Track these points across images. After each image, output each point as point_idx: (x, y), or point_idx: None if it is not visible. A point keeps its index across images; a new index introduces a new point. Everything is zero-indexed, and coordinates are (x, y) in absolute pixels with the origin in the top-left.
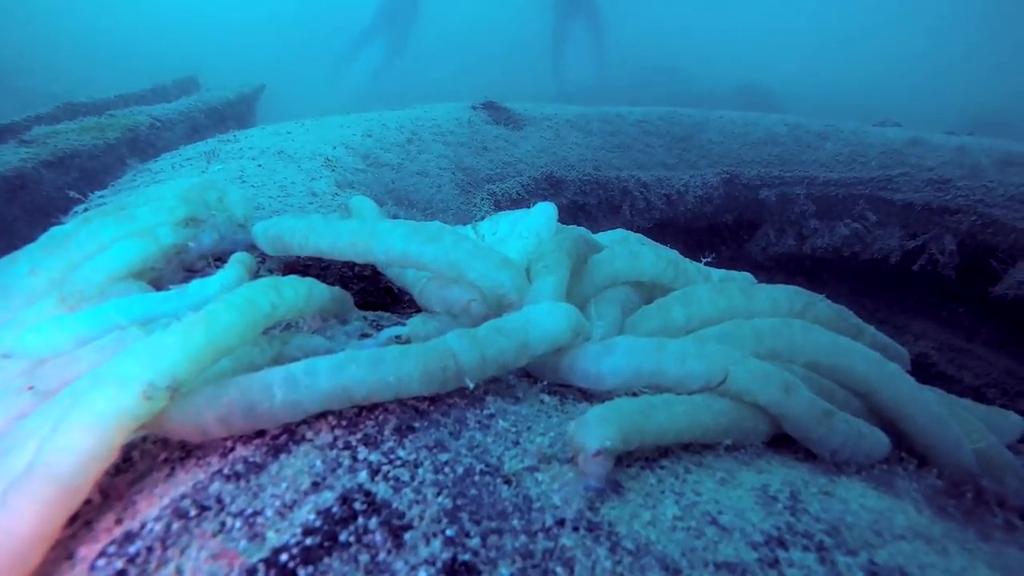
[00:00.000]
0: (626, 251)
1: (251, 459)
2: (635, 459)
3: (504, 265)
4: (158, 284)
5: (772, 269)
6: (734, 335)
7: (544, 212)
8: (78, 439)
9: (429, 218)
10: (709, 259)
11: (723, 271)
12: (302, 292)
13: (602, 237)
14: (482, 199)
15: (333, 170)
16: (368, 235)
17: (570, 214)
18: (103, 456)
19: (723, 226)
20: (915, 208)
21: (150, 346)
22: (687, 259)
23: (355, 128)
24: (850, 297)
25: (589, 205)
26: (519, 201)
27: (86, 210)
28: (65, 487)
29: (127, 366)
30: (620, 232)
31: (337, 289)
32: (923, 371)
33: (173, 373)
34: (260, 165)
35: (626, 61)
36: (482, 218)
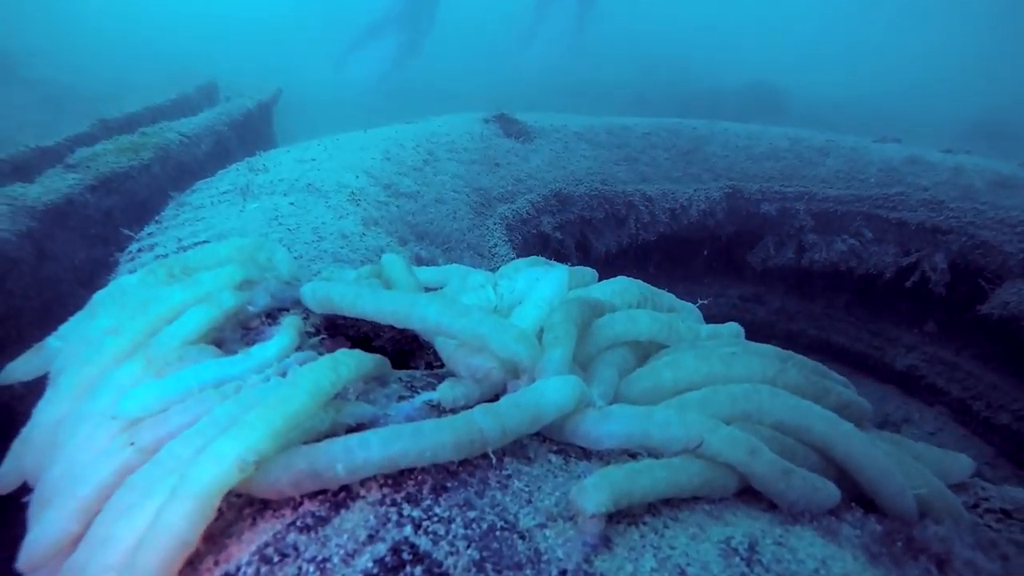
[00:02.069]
0: (625, 316)
1: (317, 513)
2: (623, 516)
3: (520, 338)
4: (220, 341)
5: (771, 281)
6: (712, 400)
7: (556, 282)
8: (190, 505)
9: (447, 253)
10: (705, 301)
11: (712, 327)
12: (353, 366)
13: (607, 286)
14: (495, 223)
15: (358, 204)
16: (408, 307)
17: (577, 228)
18: (209, 516)
19: (725, 238)
20: (909, 226)
21: (241, 428)
22: (680, 306)
23: (374, 150)
24: (845, 309)
25: (596, 219)
26: (529, 220)
27: (139, 250)
28: (183, 543)
29: (224, 446)
30: (623, 281)
31: (378, 356)
32: (913, 382)
33: (258, 449)
34: (292, 203)
35: (634, 53)
36: (494, 246)
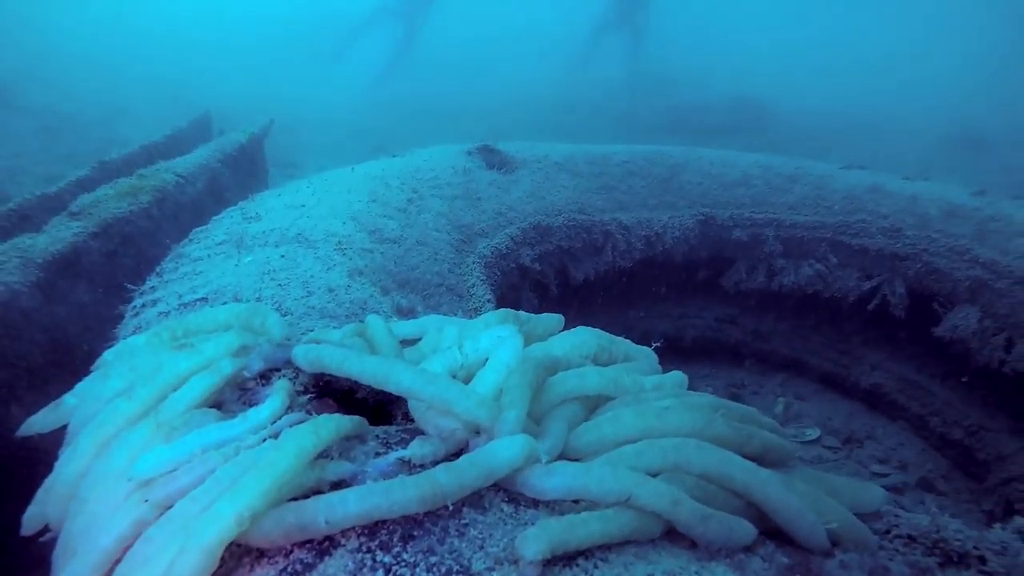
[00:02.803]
0: (575, 374)
1: (305, 560)
2: (560, 558)
3: (481, 404)
4: (220, 403)
5: (745, 302)
6: (645, 453)
7: (513, 349)
8: (197, 557)
9: (427, 300)
10: (658, 344)
11: (657, 377)
12: (333, 429)
13: (567, 338)
14: (474, 261)
15: (344, 253)
16: (385, 374)
17: (557, 258)
18: (213, 566)
19: (699, 263)
20: (871, 253)
21: (238, 490)
22: (628, 357)
23: (361, 192)
24: (814, 329)
25: (574, 248)
26: (508, 255)
27: (143, 305)
28: None
29: (224, 506)
30: (581, 334)
31: (356, 418)
32: (877, 399)
33: (253, 507)
34: (283, 255)
35: (625, 68)
36: (472, 285)
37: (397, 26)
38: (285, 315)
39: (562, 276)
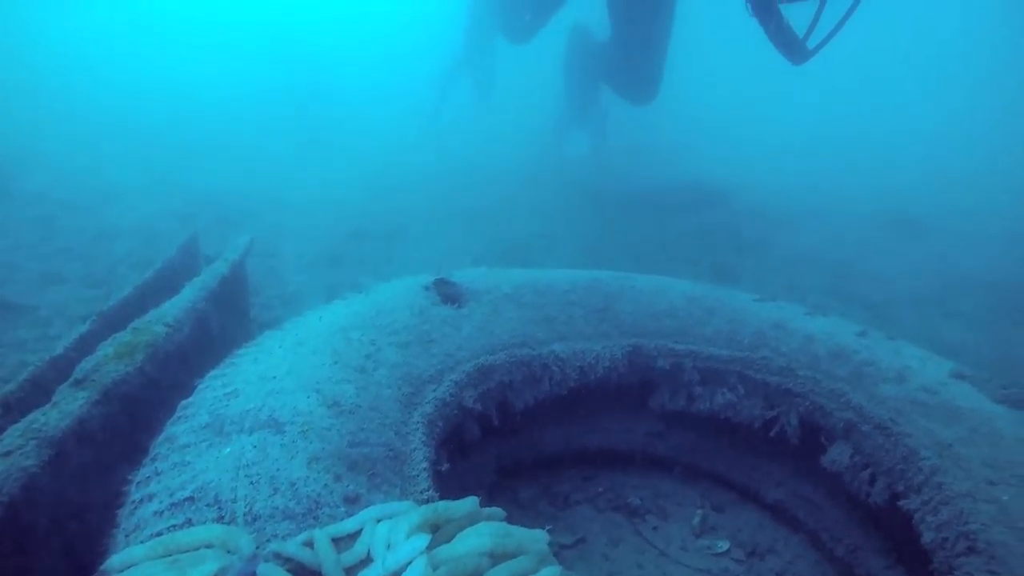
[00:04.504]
0: None
1: None
2: None
3: None
4: None
5: (669, 423)
6: None
7: (419, 570)
8: None
9: (372, 480)
10: (549, 527)
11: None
12: None
13: (467, 538)
14: (417, 421)
15: (307, 437)
16: None
17: (498, 392)
18: None
19: (628, 388)
20: (771, 387)
21: None
22: None
23: (325, 353)
24: (730, 449)
25: (515, 382)
26: (451, 402)
27: (141, 500)
28: None
29: None
30: (482, 530)
31: None
32: (781, 513)
33: None
34: (255, 446)
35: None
36: (414, 448)
37: (473, 76)
38: (255, 519)
39: (503, 407)
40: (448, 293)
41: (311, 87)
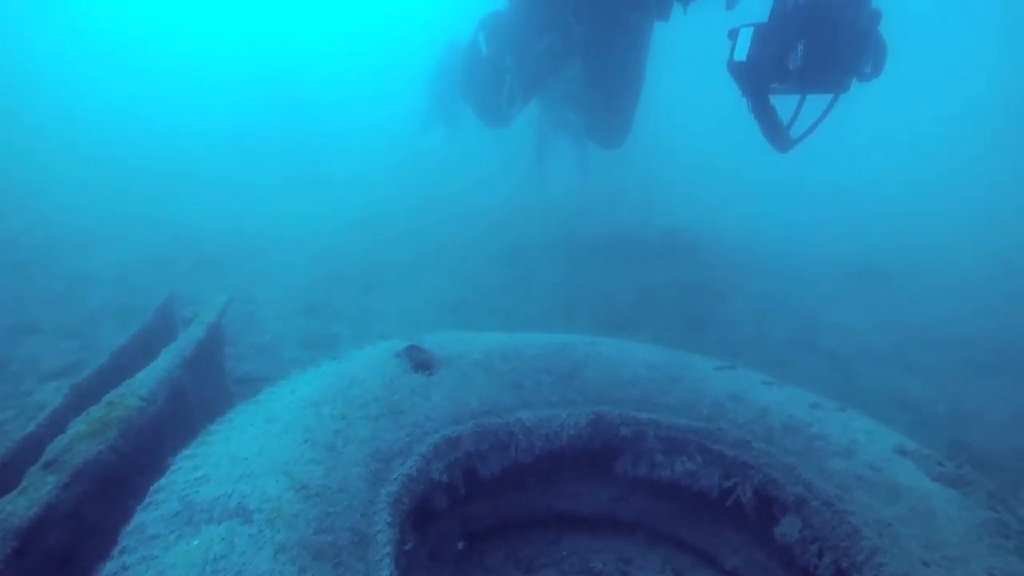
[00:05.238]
0: None
1: None
2: None
3: None
4: None
5: (633, 488)
6: None
7: None
8: None
9: (337, 571)
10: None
11: None
12: None
13: None
14: (383, 501)
15: (274, 526)
16: None
17: (464, 461)
18: None
19: (593, 454)
20: (727, 458)
21: None
22: None
23: (296, 431)
24: (690, 514)
25: (482, 451)
26: (418, 477)
27: None
28: None
29: None
30: None
31: None
32: None
33: None
34: (223, 538)
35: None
36: (379, 531)
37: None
38: None
39: (470, 475)
40: (419, 359)
41: (294, 122)
